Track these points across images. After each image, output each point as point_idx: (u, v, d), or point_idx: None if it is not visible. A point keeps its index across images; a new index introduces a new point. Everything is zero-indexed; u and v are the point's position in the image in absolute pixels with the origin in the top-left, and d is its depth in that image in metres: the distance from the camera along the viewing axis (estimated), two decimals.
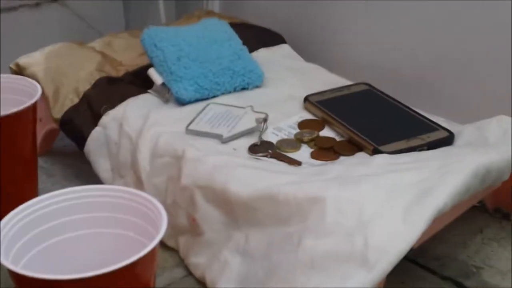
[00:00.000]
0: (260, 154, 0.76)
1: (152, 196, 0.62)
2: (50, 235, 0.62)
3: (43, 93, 0.88)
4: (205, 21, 0.95)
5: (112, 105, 0.88)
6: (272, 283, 0.63)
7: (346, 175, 0.67)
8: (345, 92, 0.88)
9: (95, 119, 0.88)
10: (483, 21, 0.89)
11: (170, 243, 0.79)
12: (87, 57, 0.96)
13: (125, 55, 0.99)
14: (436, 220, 0.62)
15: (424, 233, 0.60)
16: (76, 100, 0.91)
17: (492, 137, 0.74)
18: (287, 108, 0.86)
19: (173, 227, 0.75)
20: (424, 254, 0.78)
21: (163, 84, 0.88)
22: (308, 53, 1.05)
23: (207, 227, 0.72)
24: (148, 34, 0.90)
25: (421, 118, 0.81)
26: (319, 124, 0.83)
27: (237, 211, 0.69)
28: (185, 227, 0.76)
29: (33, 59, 0.96)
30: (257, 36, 1.03)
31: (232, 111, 0.84)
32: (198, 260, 0.74)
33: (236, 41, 0.93)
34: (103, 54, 0.98)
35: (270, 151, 0.76)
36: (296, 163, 0.74)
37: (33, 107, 0.81)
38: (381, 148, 0.74)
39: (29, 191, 0.83)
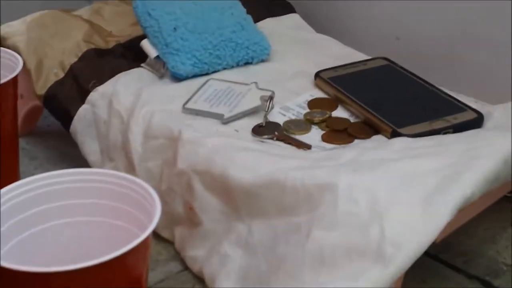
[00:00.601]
0: (265, 136, 0.76)
1: (145, 181, 0.62)
2: (33, 223, 0.63)
3: (24, 66, 0.88)
4: None
5: (101, 81, 0.88)
6: (277, 278, 0.63)
7: (360, 160, 0.67)
8: (361, 67, 0.88)
9: (82, 96, 0.88)
10: None
11: (165, 234, 0.79)
12: (74, 27, 0.96)
13: (116, 24, 0.99)
14: (461, 211, 0.62)
15: (447, 225, 0.60)
16: (61, 74, 0.91)
17: None
18: (295, 85, 0.86)
19: (168, 216, 0.76)
20: (448, 250, 0.78)
21: (158, 57, 0.88)
22: (319, 23, 1.05)
23: (206, 216, 0.73)
24: (141, 1, 0.90)
25: (446, 97, 0.81)
26: (331, 104, 0.83)
27: (238, 199, 0.69)
28: (181, 216, 0.76)
29: (14, 29, 0.97)
30: (263, 4, 1.03)
31: (234, 88, 0.84)
32: (195, 253, 0.74)
33: (239, 9, 0.93)
34: (91, 23, 0.98)
35: (276, 133, 0.77)
36: (305, 146, 0.75)
37: (13, 82, 0.81)
38: (401, 130, 0.74)
39: (9, 175, 0.83)
